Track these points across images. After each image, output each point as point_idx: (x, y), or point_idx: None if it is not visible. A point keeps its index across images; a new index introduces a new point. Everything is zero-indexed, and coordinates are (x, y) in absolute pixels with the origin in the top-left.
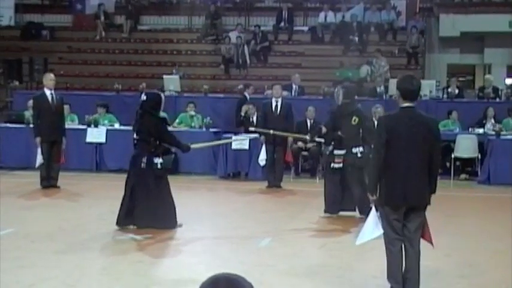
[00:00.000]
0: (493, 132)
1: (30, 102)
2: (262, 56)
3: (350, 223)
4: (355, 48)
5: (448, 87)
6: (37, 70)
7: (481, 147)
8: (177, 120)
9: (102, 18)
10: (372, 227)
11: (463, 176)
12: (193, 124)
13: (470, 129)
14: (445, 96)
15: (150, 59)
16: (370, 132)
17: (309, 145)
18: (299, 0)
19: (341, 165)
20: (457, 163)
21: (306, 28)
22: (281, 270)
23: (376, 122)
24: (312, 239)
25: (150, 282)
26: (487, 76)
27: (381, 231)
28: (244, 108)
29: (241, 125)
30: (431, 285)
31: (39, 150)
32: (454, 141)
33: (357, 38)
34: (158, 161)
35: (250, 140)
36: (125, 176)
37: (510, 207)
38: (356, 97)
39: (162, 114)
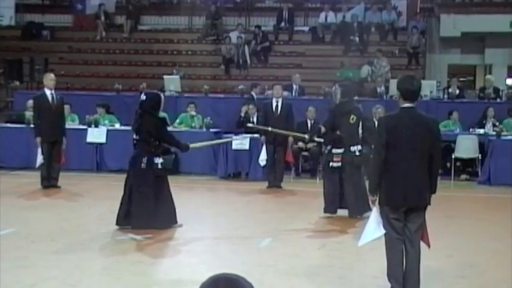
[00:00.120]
0: (494, 133)
1: (30, 103)
2: (262, 56)
3: (350, 223)
4: (355, 49)
5: (448, 87)
6: (37, 70)
7: (482, 147)
8: (177, 121)
9: (103, 18)
10: (374, 228)
11: (463, 176)
12: (193, 124)
13: (470, 130)
14: (445, 96)
15: (151, 59)
16: (370, 133)
17: (310, 145)
18: (300, 0)
19: (340, 164)
20: (458, 163)
21: (306, 28)
22: (281, 270)
23: (376, 122)
24: (312, 239)
25: (151, 282)
26: (488, 76)
27: (383, 231)
28: (244, 108)
29: (242, 125)
30: (431, 285)
31: (39, 150)
32: (454, 142)
33: (357, 38)
34: (159, 161)
35: (250, 140)
36: (125, 176)
37: (510, 208)
38: (356, 97)
39: (162, 114)
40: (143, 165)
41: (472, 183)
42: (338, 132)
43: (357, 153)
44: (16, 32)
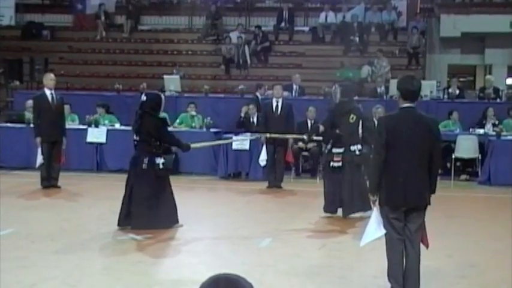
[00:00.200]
0: (494, 133)
1: (29, 103)
2: (262, 56)
3: (350, 223)
4: (355, 49)
5: (448, 87)
6: (37, 70)
7: (482, 147)
8: (177, 121)
9: (103, 18)
10: (374, 228)
11: (463, 176)
12: (193, 124)
13: (470, 130)
14: (445, 96)
15: (151, 59)
16: (370, 133)
17: (310, 145)
18: (300, 0)
19: (340, 163)
20: (458, 163)
21: (306, 28)
22: (281, 270)
23: (376, 122)
24: (312, 239)
25: (151, 282)
26: (488, 77)
27: (383, 231)
28: (243, 109)
29: (242, 126)
30: (431, 285)
31: (39, 150)
32: (454, 142)
33: (357, 39)
34: (160, 161)
35: (250, 140)
36: (125, 176)
37: (510, 208)
38: (356, 97)
39: (163, 114)
40: (144, 166)
41: (472, 183)
42: (337, 131)
43: (357, 153)
44: (16, 32)
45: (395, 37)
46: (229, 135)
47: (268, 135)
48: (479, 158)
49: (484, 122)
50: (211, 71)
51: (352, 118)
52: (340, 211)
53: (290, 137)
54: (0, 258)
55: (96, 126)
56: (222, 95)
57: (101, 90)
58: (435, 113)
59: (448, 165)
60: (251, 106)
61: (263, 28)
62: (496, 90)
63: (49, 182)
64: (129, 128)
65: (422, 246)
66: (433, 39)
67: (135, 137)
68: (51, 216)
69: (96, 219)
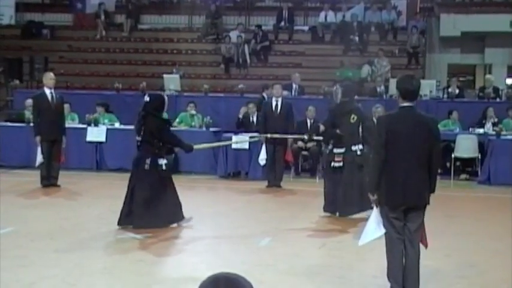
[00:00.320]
0: (493, 132)
1: (28, 102)
2: (262, 55)
3: (350, 223)
4: (355, 48)
5: (448, 87)
6: (37, 69)
7: (481, 147)
8: (177, 120)
9: (103, 17)
10: (374, 227)
11: (463, 176)
12: (193, 124)
13: (470, 129)
14: (445, 96)
15: (151, 58)
16: (370, 132)
17: (309, 145)
18: None
19: (341, 164)
20: (457, 163)
21: (306, 28)
22: (281, 269)
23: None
24: (312, 238)
25: (151, 281)
26: (488, 76)
27: (383, 231)
28: (242, 110)
29: (241, 126)
30: (431, 285)
31: (39, 149)
32: (454, 141)
33: (357, 38)
34: (163, 162)
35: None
36: (125, 175)
37: (510, 208)
38: (356, 96)
39: (163, 114)
40: (147, 167)
41: (471, 182)
42: (338, 131)
43: (358, 153)
44: (16, 31)
45: (395, 36)
46: (229, 135)
47: (269, 135)
48: (479, 157)
49: (484, 121)
50: (211, 70)
51: (353, 118)
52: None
53: (290, 137)
54: (0, 257)
55: (96, 125)
56: (221, 94)
57: (100, 89)
58: (435, 113)
59: (448, 164)
60: (251, 105)
61: (263, 27)
62: (496, 90)
63: (49, 181)
64: (129, 127)
65: (421, 245)
66: (433, 38)
67: (137, 138)
68: (51, 215)
69: (96, 218)
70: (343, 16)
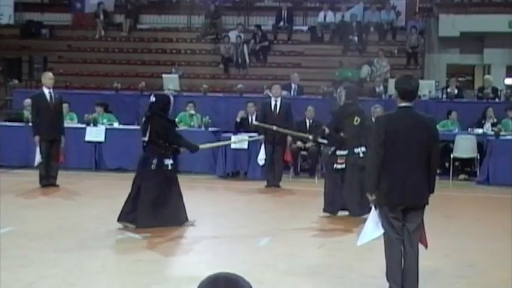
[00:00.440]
0: (492, 133)
1: (27, 102)
2: (261, 55)
3: (350, 223)
4: (354, 48)
5: (447, 87)
6: (36, 69)
7: (480, 147)
8: (176, 119)
9: (102, 17)
10: (372, 227)
11: (462, 176)
12: (192, 123)
13: (469, 130)
14: (444, 96)
15: (150, 58)
16: (369, 132)
17: (308, 145)
18: None
19: (344, 165)
20: (456, 163)
21: (305, 28)
22: (281, 269)
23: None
24: (311, 238)
25: (151, 281)
26: (487, 76)
27: (382, 231)
28: (240, 113)
29: (240, 127)
30: (430, 285)
31: (37, 149)
32: (453, 142)
33: (356, 38)
34: (169, 162)
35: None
36: (124, 175)
37: (509, 208)
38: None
39: None
40: (153, 167)
41: (470, 183)
42: (342, 134)
43: (361, 155)
44: (15, 31)
45: (394, 37)
46: (228, 135)
47: (275, 127)
48: (478, 157)
49: (483, 121)
50: (210, 70)
51: (357, 120)
52: (340, 211)
53: (297, 134)
54: (0, 257)
55: (95, 125)
56: (220, 94)
57: (99, 89)
58: (434, 113)
59: (447, 164)
60: (250, 105)
61: (262, 27)
62: (495, 90)
63: (48, 180)
64: (128, 127)
65: (421, 246)
66: (432, 38)
67: (143, 138)
68: (50, 214)
69: (95, 217)
70: (342, 16)
